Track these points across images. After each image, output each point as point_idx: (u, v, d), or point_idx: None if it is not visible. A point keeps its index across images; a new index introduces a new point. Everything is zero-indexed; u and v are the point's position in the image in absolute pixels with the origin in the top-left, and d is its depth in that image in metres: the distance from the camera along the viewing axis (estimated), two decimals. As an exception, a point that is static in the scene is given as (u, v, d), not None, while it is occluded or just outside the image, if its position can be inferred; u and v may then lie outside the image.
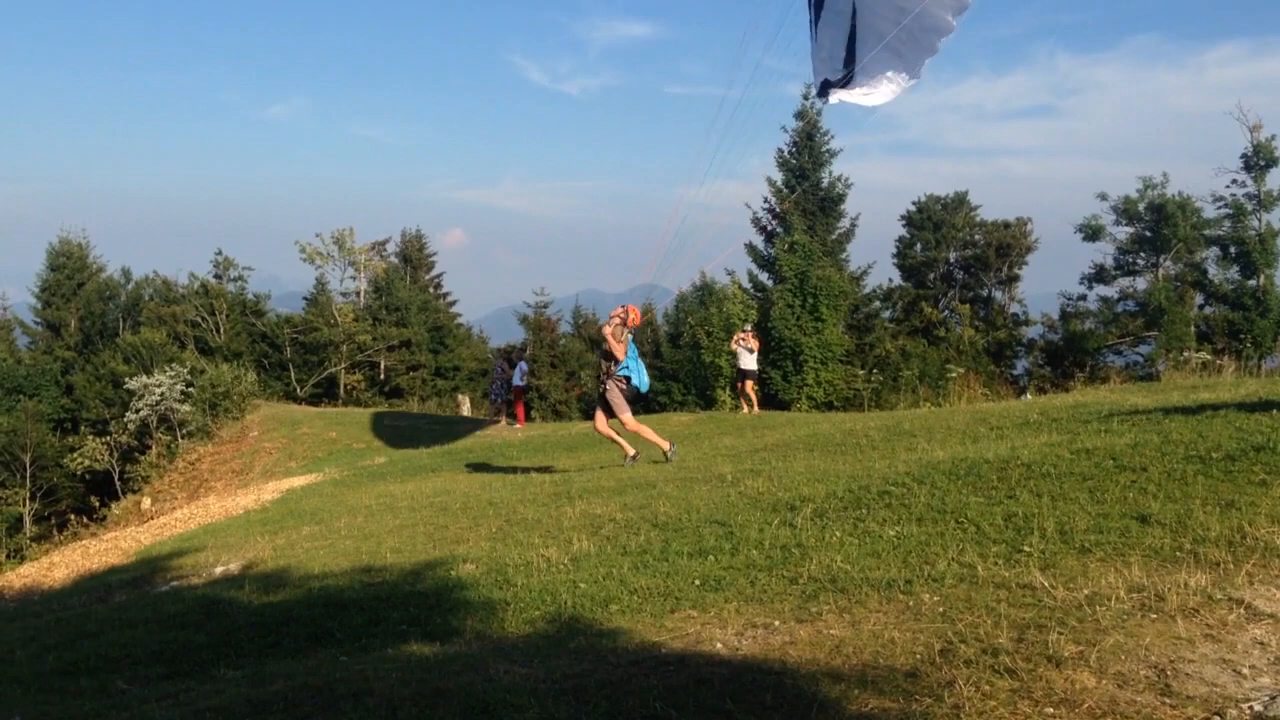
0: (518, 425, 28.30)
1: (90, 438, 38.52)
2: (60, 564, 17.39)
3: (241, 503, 19.70)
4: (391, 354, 50.19)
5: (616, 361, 14.98)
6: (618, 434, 15.74)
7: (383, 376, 50.47)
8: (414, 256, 62.93)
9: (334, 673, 5.96)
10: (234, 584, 10.43)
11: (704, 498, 10.40)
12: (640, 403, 41.87)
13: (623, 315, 14.93)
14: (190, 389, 35.86)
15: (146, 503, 28.89)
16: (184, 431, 34.98)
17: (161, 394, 35.29)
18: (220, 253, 52.55)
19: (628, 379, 15.16)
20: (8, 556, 33.94)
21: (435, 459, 21.54)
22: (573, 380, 52.48)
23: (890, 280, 52.39)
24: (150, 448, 35.64)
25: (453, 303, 63.87)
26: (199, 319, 48.05)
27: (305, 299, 54.99)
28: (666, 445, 15.34)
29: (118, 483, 36.35)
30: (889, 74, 11.26)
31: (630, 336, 15.11)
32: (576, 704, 4.75)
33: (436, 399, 48.34)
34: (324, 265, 52.80)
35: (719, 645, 5.68)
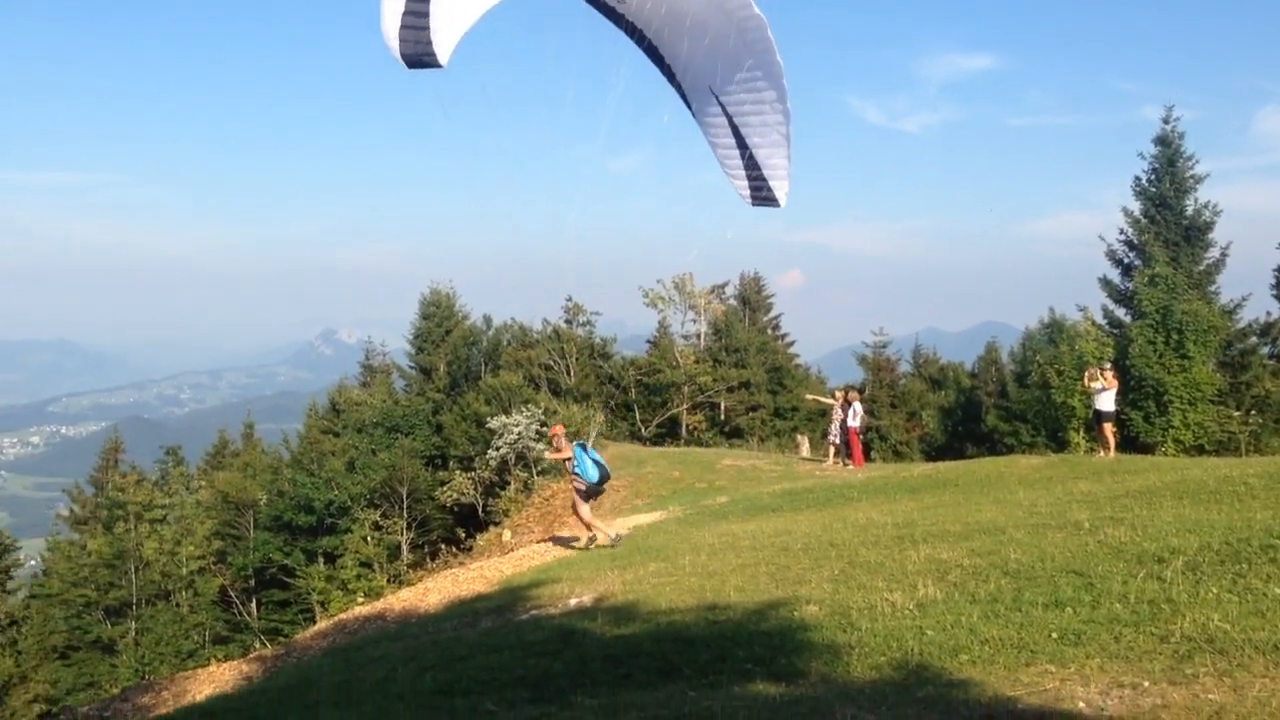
0: (854, 466, 27.96)
1: (457, 473, 41.44)
2: (434, 590, 18.77)
3: (592, 538, 20.54)
4: (731, 395, 50.96)
5: (571, 460, 17.63)
6: (583, 511, 18.28)
7: (723, 417, 51.31)
8: (752, 299, 63.66)
9: (683, 707, 6.11)
10: (587, 615, 10.91)
11: (1059, 545, 9.87)
12: (985, 444, 40.30)
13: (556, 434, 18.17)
14: (544, 428, 37.91)
15: (507, 535, 30.69)
16: (539, 469, 36.99)
17: (519, 433, 37.47)
18: (570, 299, 55.43)
19: (581, 478, 17.72)
20: (389, 581, 37.14)
21: (776, 499, 21.63)
22: (914, 420, 51.27)
23: (1269, 313, 47.62)
24: (509, 483, 37.91)
25: (791, 344, 64.06)
26: (551, 362, 50.81)
27: (648, 342, 56.89)
28: (612, 535, 18.22)
29: (481, 515, 38.89)
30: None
31: (579, 442, 17.86)
32: (927, 755, 4.63)
33: (775, 439, 48.62)
34: (665, 309, 54.52)
35: (1081, 704, 5.38)
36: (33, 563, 54.16)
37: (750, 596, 10.21)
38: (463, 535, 37.29)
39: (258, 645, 35.38)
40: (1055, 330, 41.39)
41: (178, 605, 40.61)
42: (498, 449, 38.10)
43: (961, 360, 60.57)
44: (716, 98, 13.55)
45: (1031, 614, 7.45)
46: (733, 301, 61.22)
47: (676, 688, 7.07)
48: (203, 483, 51.05)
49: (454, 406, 47.94)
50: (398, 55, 9.82)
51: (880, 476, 23.82)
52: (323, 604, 37.54)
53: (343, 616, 20.74)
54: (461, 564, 27.67)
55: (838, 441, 29.11)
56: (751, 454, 36.69)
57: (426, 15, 9.51)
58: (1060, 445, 34.62)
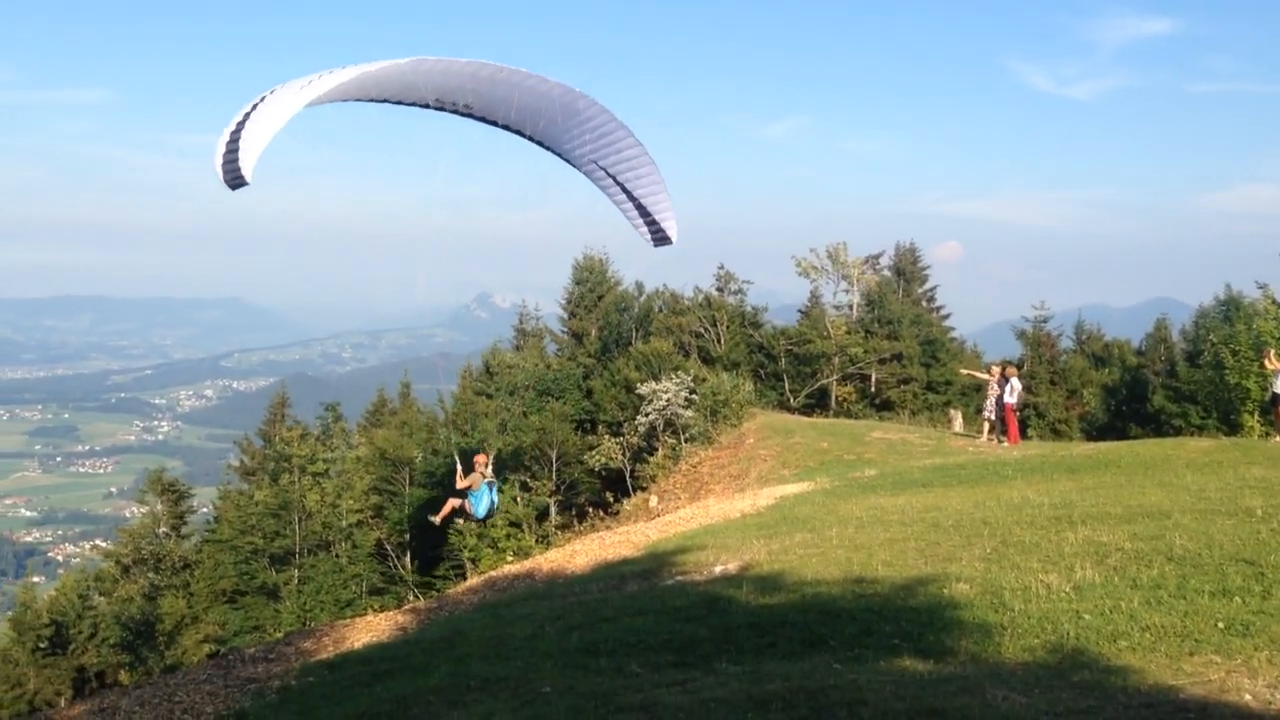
0: (1010, 443, 27.24)
1: (606, 437, 41.94)
2: (581, 552, 19.09)
3: (738, 506, 20.55)
4: (883, 367, 50.15)
5: (469, 489, 18.60)
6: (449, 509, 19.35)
7: (873, 389, 50.57)
8: (907, 270, 62.51)
9: (828, 679, 6.09)
10: (732, 583, 10.94)
11: (1227, 533, 9.46)
12: (1151, 425, 38.70)
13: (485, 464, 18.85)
14: (693, 396, 38.06)
15: (654, 501, 30.99)
16: (687, 436, 37.16)
17: (668, 400, 37.71)
18: (722, 267, 55.36)
19: (471, 504, 18.75)
20: (536, 541, 37.93)
21: (927, 474, 21.25)
22: (1074, 398, 49.61)
23: None
24: (657, 449, 38.21)
25: (946, 316, 62.72)
26: (702, 330, 50.88)
27: (800, 311, 56.36)
28: (438, 520, 19.67)
29: (629, 480, 39.34)
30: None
31: (486, 481, 18.67)
32: (1081, 741, 4.51)
33: (927, 413, 47.70)
34: (818, 279, 53.87)
35: (1247, 697, 5.15)
36: (205, 510, 57.15)
37: (898, 571, 10.08)
38: (610, 499, 37.78)
39: (411, 598, 36.59)
40: (1232, 308, 39.43)
41: (337, 556, 42.25)
42: (647, 415, 38.42)
43: (1128, 337, 58.25)
44: (595, 163, 16.03)
45: (1197, 602, 7.16)
46: (887, 272, 60.20)
47: (822, 659, 7.04)
48: (362, 439, 52.87)
49: (604, 371, 48.47)
50: (223, 183, 13.17)
51: (1037, 455, 23.14)
52: (473, 561, 38.57)
53: (493, 574, 21.26)
54: (609, 528, 28.06)
55: (993, 417, 28.38)
56: (902, 427, 36.13)
57: (236, 153, 12.80)
58: (1232, 429, 33.04)
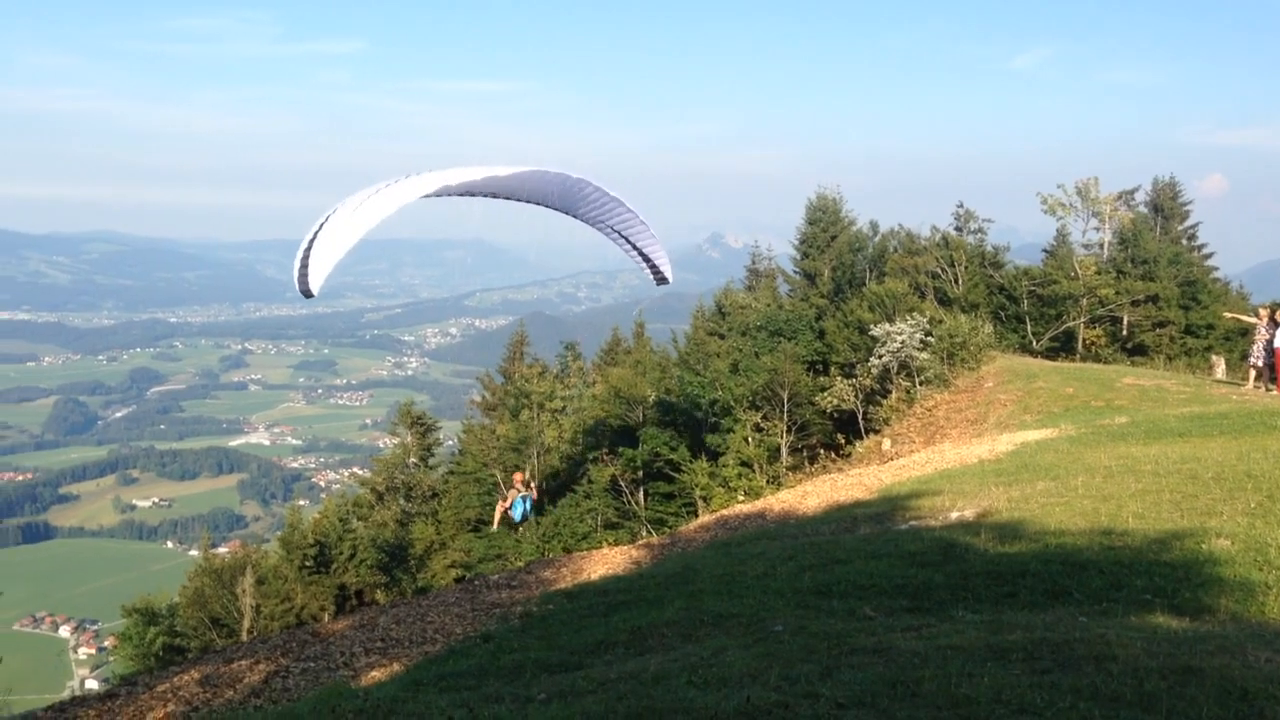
0: (1278, 392, 25.33)
1: (839, 379, 41.49)
2: (812, 493, 19.04)
3: (975, 452, 19.98)
4: (1136, 309, 47.40)
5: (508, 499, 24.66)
6: (499, 515, 24.85)
7: (1125, 333, 47.91)
8: (1165, 206, 58.82)
9: (1073, 632, 5.87)
10: (969, 530, 10.67)
11: None
12: None
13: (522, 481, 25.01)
14: (929, 338, 37.08)
15: (887, 444, 30.51)
16: (922, 378, 36.30)
17: (902, 341, 36.89)
18: (961, 205, 53.32)
19: (512, 512, 24.47)
20: (768, 482, 38.03)
21: (1184, 423, 20.03)
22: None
23: None
24: (890, 392, 37.52)
25: (1209, 255, 58.77)
26: (939, 270, 49.36)
27: (1044, 251, 53.90)
28: (494, 525, 26.69)
29: (861, 422, 38.84)
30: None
31: (520, 495, 24.46)
32: (1359, 712, 4.19)
33: (1185, 358, 44.86)
34: (1065, 216, 51.22)
35: None
36: (450, 442, 60.12)
37: (1151, 524, 9.58)
38: (842, 441, 37.40)
39: (644, 533, 37.45)
40: None
41: (574, 490, 43.67)
42: (880, 357, 37.77)
43: None
44: (603, 223, 21.26)
45: None
46: (1142, 209, 56.78)
47: (1066, 611, 6.80)
48: (597, 377, 54.18)
49: (837, 312, 47.87)
50: (299, 291, 17.52)
51: (1310, 405, 21.42)
52: (705, 499, 39.06)
53: (724, 512, 21.49)
54: (840, 470, 27.84)
55: (1260, 364, 26.45)
56: (1157, 373, 34.14)
57: (307, 267, 17.25)
58: None
